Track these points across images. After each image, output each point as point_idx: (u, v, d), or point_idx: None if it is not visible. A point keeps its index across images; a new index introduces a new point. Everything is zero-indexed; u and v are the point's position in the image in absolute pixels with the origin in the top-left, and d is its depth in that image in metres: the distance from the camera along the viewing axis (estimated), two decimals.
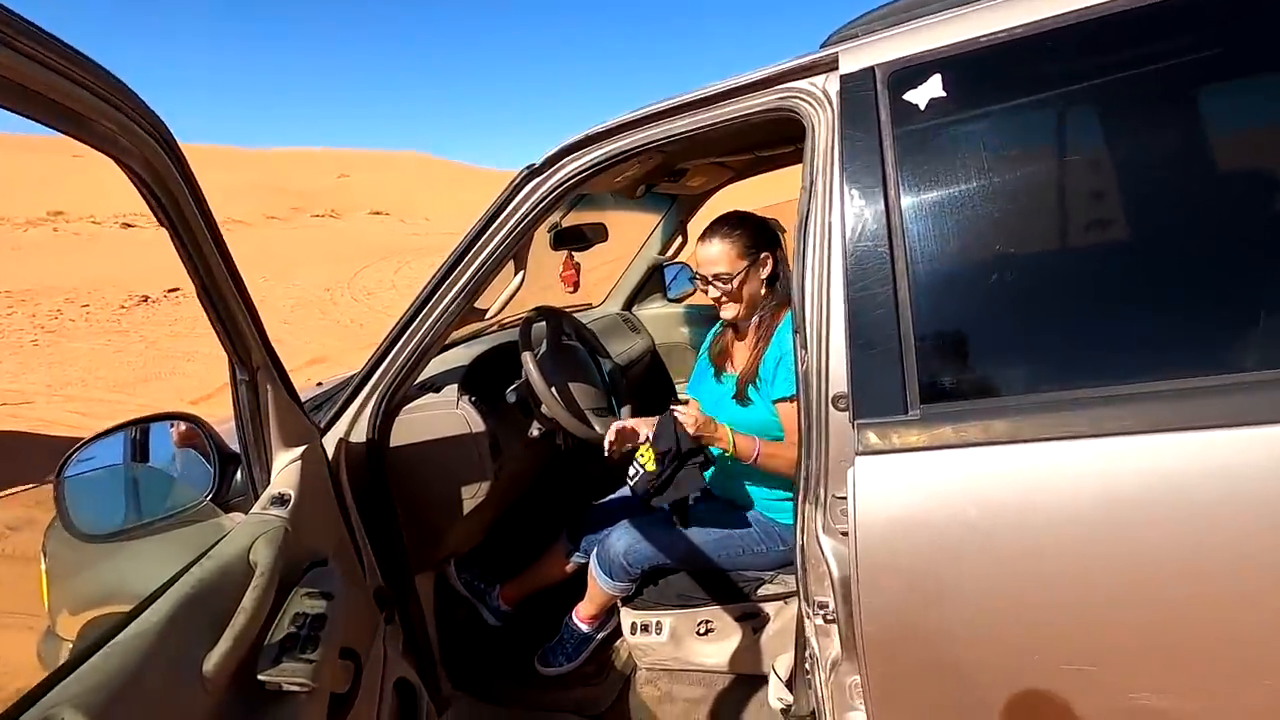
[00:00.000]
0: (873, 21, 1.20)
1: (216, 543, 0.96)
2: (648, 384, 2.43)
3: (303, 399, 1.94)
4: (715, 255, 1.62)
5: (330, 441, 1.41)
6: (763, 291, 1.66)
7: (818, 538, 1.15)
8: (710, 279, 1.64)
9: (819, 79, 1.17)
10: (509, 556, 1.97)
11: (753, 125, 1.29)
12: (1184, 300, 0.91)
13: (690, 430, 1.45)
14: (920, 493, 0.99)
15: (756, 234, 1.65)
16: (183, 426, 1.18)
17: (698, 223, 2.85)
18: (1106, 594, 0.90)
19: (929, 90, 1.06)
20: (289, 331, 9.71)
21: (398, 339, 1.44)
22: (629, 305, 2.92)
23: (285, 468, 1.13)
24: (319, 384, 2.17)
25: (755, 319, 1.69)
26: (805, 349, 1.13)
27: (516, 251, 1.43)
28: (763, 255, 1.65)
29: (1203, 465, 0.85)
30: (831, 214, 1.10)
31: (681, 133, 1.29)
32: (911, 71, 1.07)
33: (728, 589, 1.59)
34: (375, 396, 1.45)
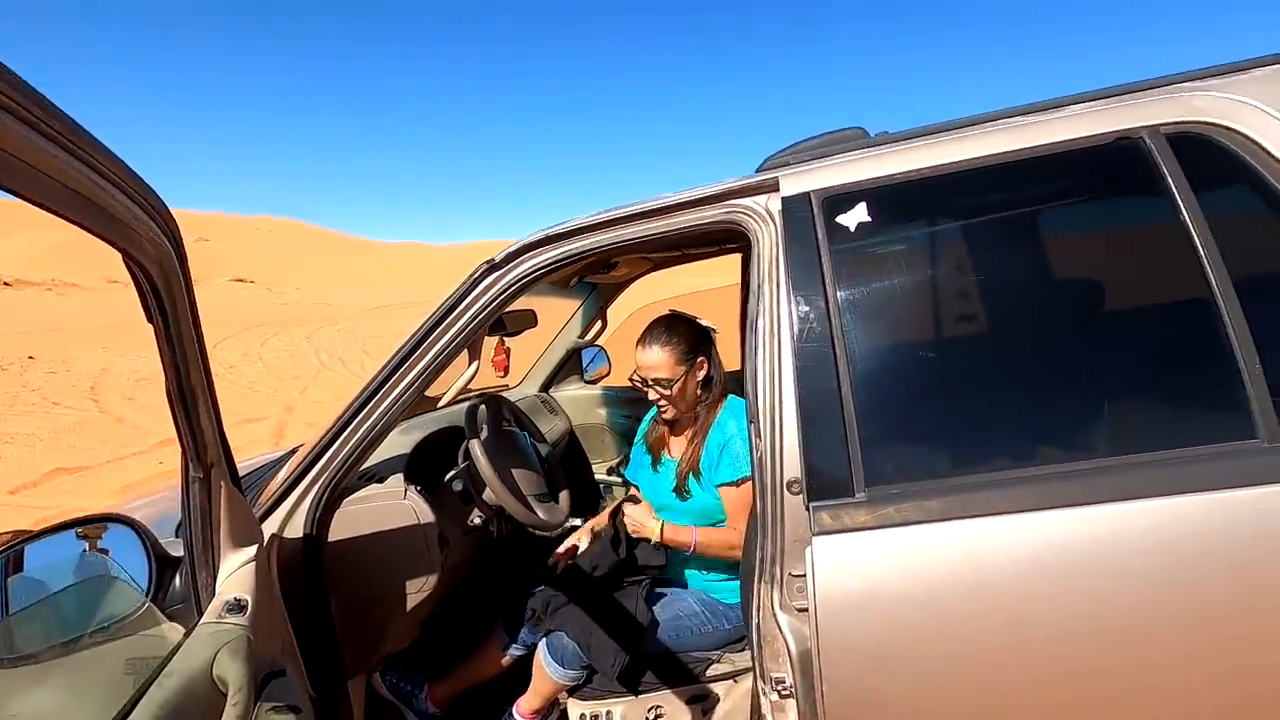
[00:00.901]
0: (802, 152, 1.39)
1: (171, 656, 0.89)
2: (566, 466, 2.45)
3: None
4: (655, 361, 1.72)
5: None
6: (699, 392, 1.78)
7: (774, 615, 1.22)
8: (651, 382, 1.73)
9: (762, 199, 1.34)
10: (436, 652, 1.88)
11: (697, 234, 1.44)
12: (1081, 390, 1.11)
13: (629, 532, 1.55)
14: (872, 569, 1.11)
15: (692, 338, 1.76)
16: (112, 529, 1.08)
17: (616, 309, 2.98)
18: (1039, 655, 1.04)
19: (857, 215, 1.24)
20: (134, 409, 8.74)
21: (344, 428, 1.40)
22: (547, 387, 2.96)
23: (237, 571, 1.07)
24: None
25: (697, 414, 1.79)
26: (760, 437, 1.24)
27: (472, 342, 1.46)
28: (699, 359, 1.76)
29: (1105, 533, 1.03)
30: (780, 315, 1.24)
31: (636, 238, 1.41)
32: (842, 198, 1.26)
33: (677, 671, 1.61)
34: (316, 490, 1.39)
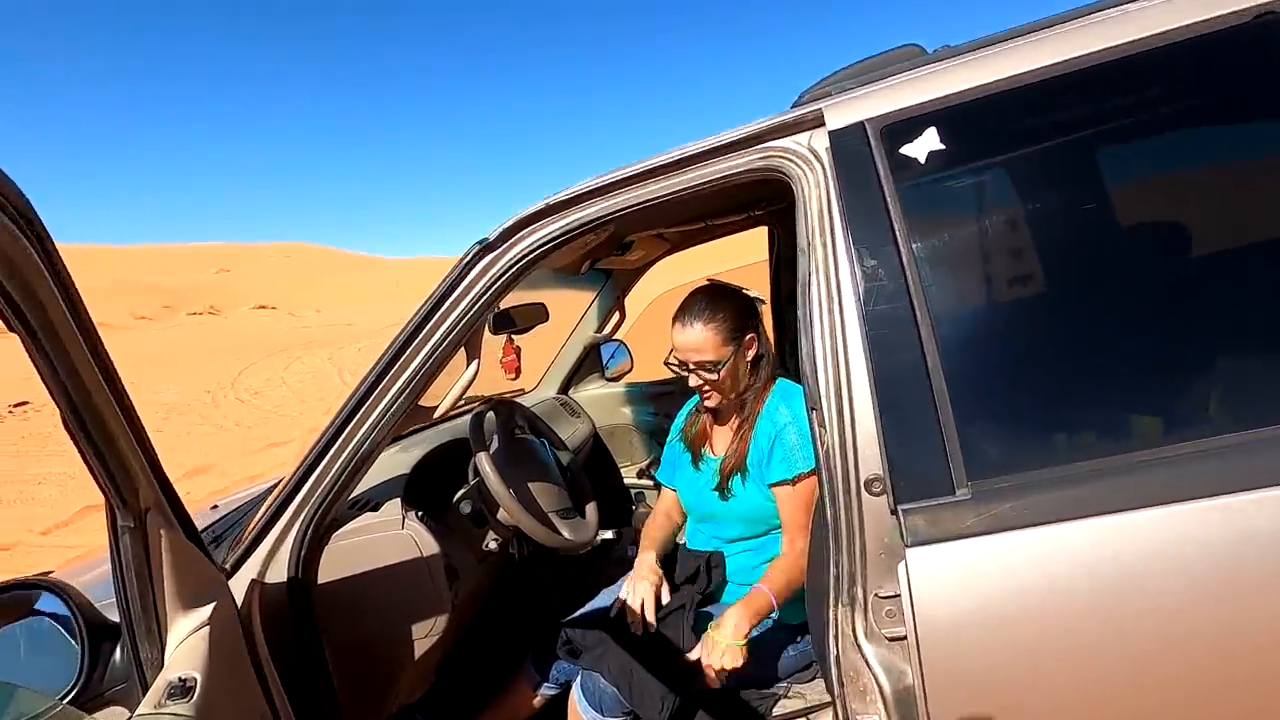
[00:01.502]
0: (843, 81, 1.15)
1: None
2: (592, 472, 2.23)
3: (200, 529, 1.63)
4: (698, 342, 1.46)
5: (239, 586, 1.12)
6: (748, 375, 1.52)
7: (858, 646, 0.99)
8: (693, 367, 1.48)
9: (803, 137, 1.09)
10: (460, 696, 1.67)
11: (728, 188, 1.20)
12: (1241, 340, 0.85)
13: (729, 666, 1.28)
14: (988, 585, 0.86)
15: (739, 312, 1.50)
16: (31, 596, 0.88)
17: (634, 298, 2.75)
18: (1219, 674, 0.79)
19: (927, 142, 0.99)
20: (162, 441, 8.69)
21: (325, 451, 1.19)
22: (566, 388, 2.74)
23: (186, 639, 0.85)
24: (214, 506, 1.82)
25: (745, 402, 1.54)
26: (824, 428, 1.00)
27: (469, 338, 1.24)
28: (748, 337, 1.50)
29: None
30: (839, 276, 1.00)
31: (652, 199, 1.18)
32: (906, 124, 1.01)
33: (737, 709, 1.38)
34: (299, 524, 1.18)
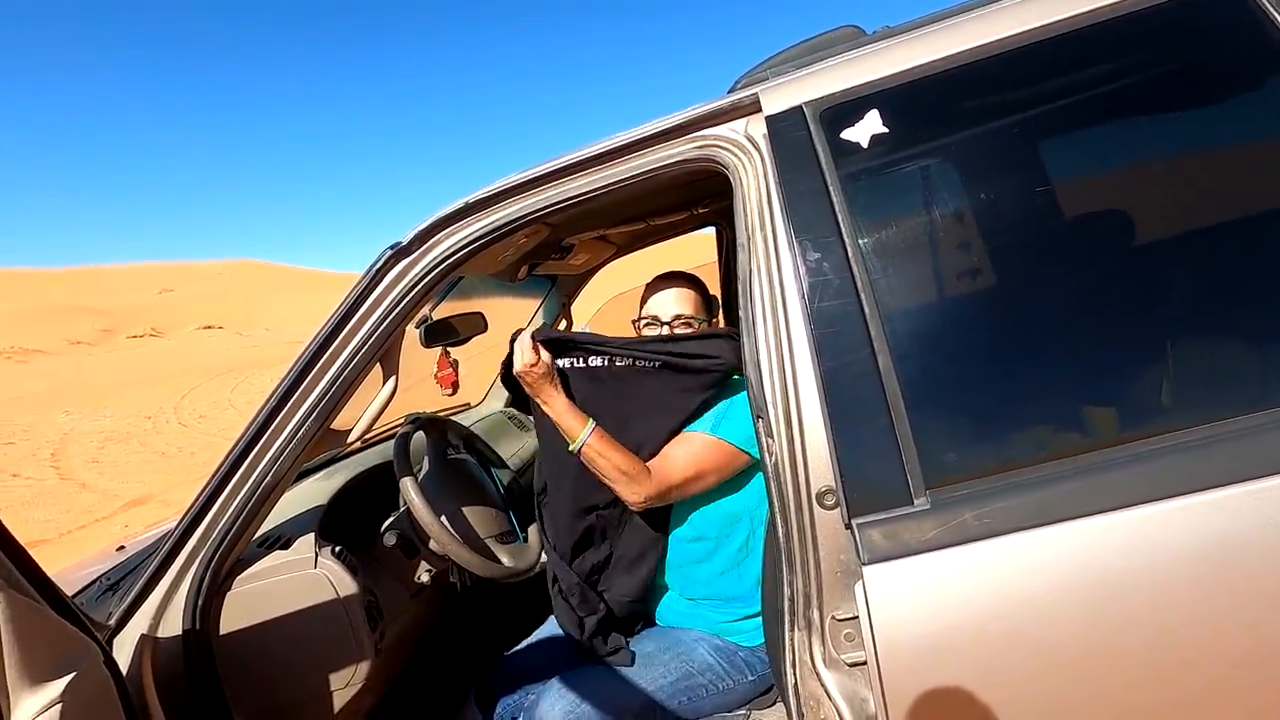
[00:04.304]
0: (780, 64, 1.08)
1: None
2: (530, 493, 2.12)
3: (98, 573, 1.46)
4: (681, 298, 1.46)
5: (125, 646, 0.99)
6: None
7: (817, 673, 0.90)
8: (668, 319, 1.43)
9: (739, 123, 1.02)
10: None
11: (665, 182, 1.11)
12: (1205, 328, 0.80)
13: (517, 365, 1.25)
14: (950, 602, 0.79)
15: (708, 294, 1.53)
16: None
17: (581, 305, 2.65)
18: (1201, 683, 0.73)
19: (869, 126, 0.93)
20: (98, 472, 8.28)
21: (223, 486, 1.06)
22: (512, 401, 2.62)
23: None
24: (120, 547, 1.66)
25: None
26: (771, 437, 0.92)
27: (385, 351, 1.12)
28: (714, 318, 1.52)
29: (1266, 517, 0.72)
30: (782, 272, 0.92)
31: (582, 194, 1.09)
32: (846, 107, 0.94)
33: None
34: (195, 568, 1.05)
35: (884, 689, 0.80)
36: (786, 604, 0.93)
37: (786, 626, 0.93)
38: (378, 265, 1.09)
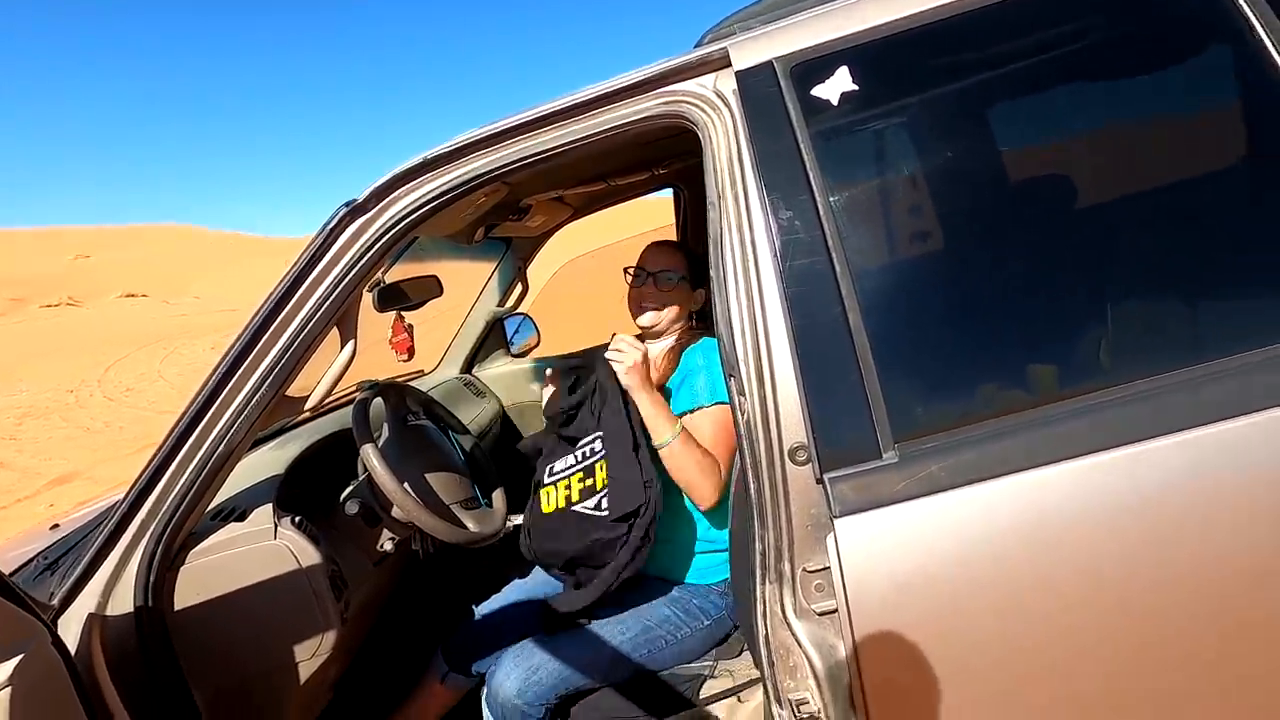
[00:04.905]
0: (747, 18, 1.06)
1: None
2: (503, 454, 2.10)
3: (33, 553, 1.38)
4: (668, 256, 1.54)
5: (72, 626, 0.94)
6: (683, 317, 1.57)
7: (788, 623, 0.93)
8: (653, 273, 1.52)
9: (708, 79, 1.00)
10: (364, 708, 1.52)
11: (630, 140, 1.09)
12: (1160, 282, 0.84)
13: (625, 364, 1.32)
14: (919, 550, 0.82)
15: (700, 268, 1.57)
16: None
17: (536, 269, 2.60)
18: (1156, 621, 0.78)
19: (839, 83, 0.92)
20: (16, 450, 7.80)
21: (172, 456, 1.01)
22: (469, 367, 2.57)
23: None
24: (54, 526, 1.57)
25: (668, 344, 1.54)
26: (744, 395, 0.92)
27: (342, 314, 1.08)
28: (699, 290, 1.57)
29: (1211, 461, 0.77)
30: (753, 231, 0.92)
31: (546, 151, 1.05)
32: (816, 63, 0.93)
33: (664, 697, 1.31)
34: (145, 543, 1.00)
35: (854, 635, 0.83)
36: (758, 558, 0.95)
37: (758, 580, 0.95)
38: (332, 224, 1.04)
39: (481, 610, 1.53)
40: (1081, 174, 0.89)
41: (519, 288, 2.48)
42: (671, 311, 1.53)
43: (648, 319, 1.53)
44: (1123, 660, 0.78)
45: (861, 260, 0.88)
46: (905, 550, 0.82)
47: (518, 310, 2.53)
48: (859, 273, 0.87)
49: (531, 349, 2.69)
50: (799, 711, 0.95)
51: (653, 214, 2.63)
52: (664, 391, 1.48)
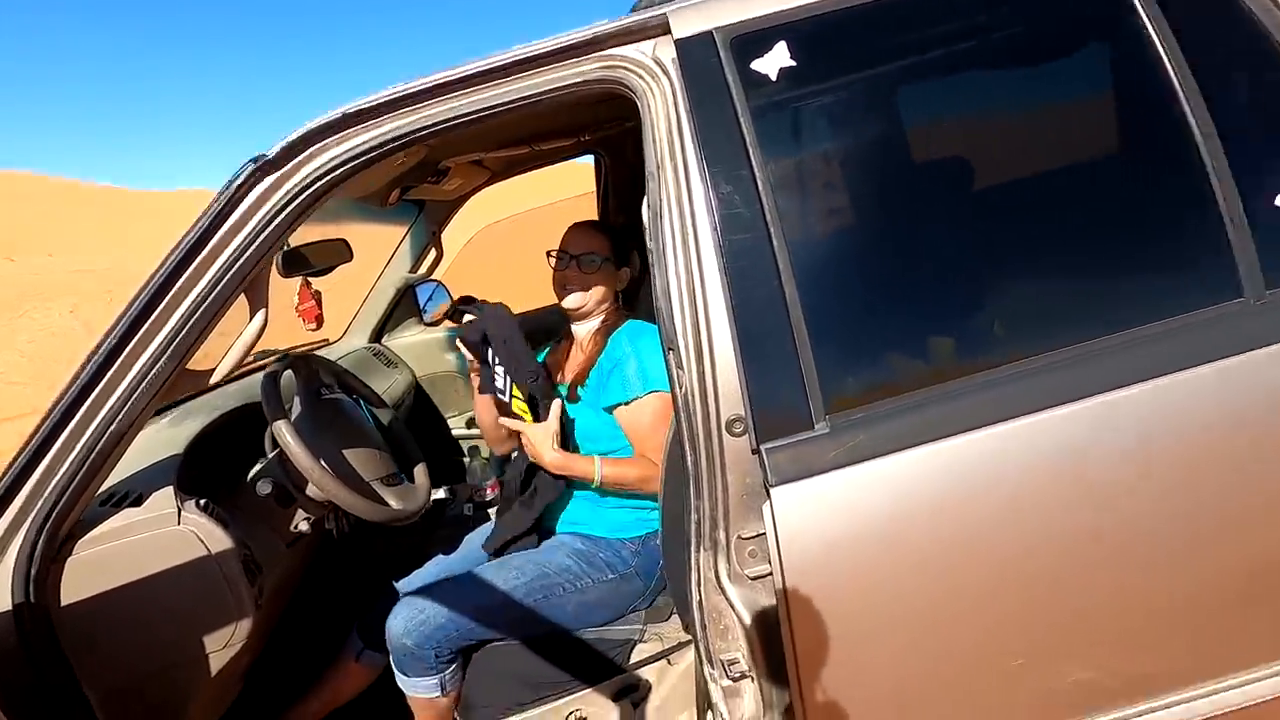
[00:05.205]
0: None
1: None
2: (416, 427, 2.03)
3: None
4: (590, 238, 1.51)
5: None
6: (610, 298, 1.55)
7: (721, 588, 0.97)
8: (576, 256, 1.49)
9: (647, 45, 0.98)
10: (277, 692, 1.46)
11: (562, 105, 1.05)
12: (1064, 261, 0.91)
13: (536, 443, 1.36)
14: (849, 515, 0.87)
15: (622, 245, 1.56)
16: None
17: (451, 233, 2.50)
18: (1056, 573, 0.87)
19: (778, 58, 0.93)
20: None
21: (55, 435, 0.91)
22: (378, 336, 2.45)
23: None
24: None
25: (594, 325, 1.52)
26: (682, 368, 0.93)
27: (252, 280, 1.00)
28: (623, 268, 1.55)
29: (1106, 426, 0.85)
30: (693, 203, 0.92)
31: (475, 112, 1.00)
32: (756, 37, 0.94)
33: (589, 661, 1.33)
34: (23, 534, 0.90)
35: (786, 597, 0.87)
36: (693, 527, 0.97)
37: (693, 548, 0.98)
38: (239, 181, 0.95)
39: (402, 586, 1.50)
40: (1009, 155, 0.95)
41: (433, 253, 2.38)
42: (597, 292, 1.51)
43: (573, 301, 1.51)
44: (1035, 609, 0.87)
45: (798, 236, 0.90)
46: (836, 516, 0.87)
47: (431, 277, 2.43)
48: (796, 248, 0.89)
49: (445, 316, 2.60)
50: (730, 671, 0.99)
51: (571, 180, 2.58)
52: (592, 380, 1.48)
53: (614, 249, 1.52)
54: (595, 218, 1.59)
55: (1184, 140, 0.89)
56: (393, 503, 1.32)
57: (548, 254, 1.54)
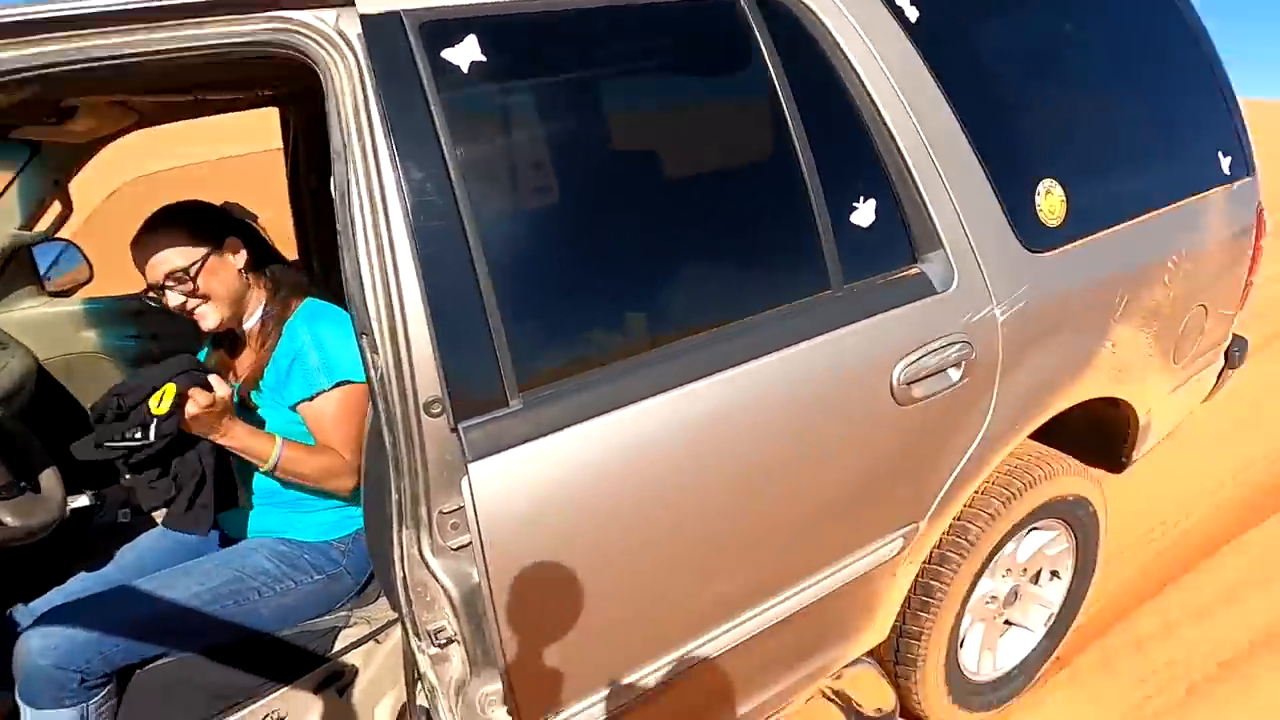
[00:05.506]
0: None
1: None
2: (41, 425, 1.65)
3: None
4: (160, 254, 1.25)
5: None
6: (248, 283, 1.34)
7: (425, 562, 1.01)
8: (165, 284, 1.26)
9: (329, 14, 0.93)
10: None
11: (221, 62, 0.95)
12: (708, 255, 1.11)
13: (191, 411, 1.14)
14: (539, 485, 0.97)
15: (209, 218, 1.33)
16: None
17: (87, 184, 2.04)
18: (703, 521, 1.07)
19: (468, 51, 0.96)
20: None
21: None
22: None
23: None
24: None
25: (257, 319, 1.35)
26: (377, 352, 0.93)
27: None
28: (227, 240, 1.32)
29: (739, 394, 1.07)
30: (383, 185, 0.91)
31: (109, 58, 0.86)
32: (447, 26, 0.95)
33: (284, 659, 1.25)
34: None
35: (486, 563, 0.95)
36: (394, 507, 0.99)
37: (395, 527, 1.00)
38: None
39: (34, 609, 1.24)
40: (664, 167, 1.12)
41: (56, 207, 1.92)
42: (221, 292, 1.29)
43: (210, 322, 1.30)
44: (691, 544, 1.07)
45: (489, 224, 0.95)
46: (529, 484, 0.96)
47: (57, 236, 1.97)
48: (487, 235, 0.94)
49: (80, 284, 2.13)
50: (436, 639, 1.04)
51: (255, 127, 2.28)
52: (269, 379, 1.33)
53: (198, 236, 1.28)
54: (168, 219, 1.30)
55: (795, 169, 1.14)
56: (8, 519, 1.08)
57: (145, 296, 1.30)
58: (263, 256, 1.37)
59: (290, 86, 1.63)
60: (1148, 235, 1.57)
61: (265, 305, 1.36)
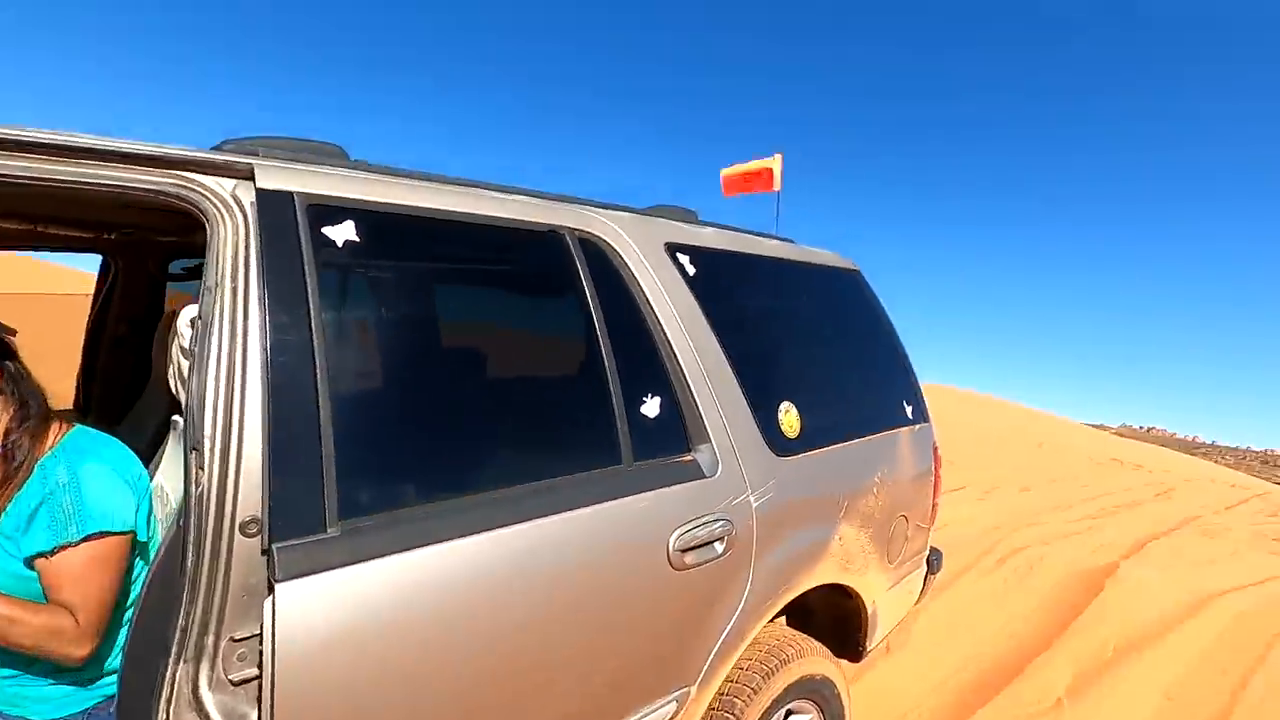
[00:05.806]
0: (275, 147, 1.23)
1: None
2: None
3: None
4: None
5: None
6: (18, 430, 1.21)
7: (197, 700, 0.96)
8: None
9: (228, 183, 1.11)
10: None
11: (108, 198, 1.07)
12: (517, 426, 1.31)
13: None
14: (343, 611, 1.01)
15: None
16: None
17: None
18: (492, 659, 1.14)
19: (345, 232, 1.17)
20: None
21: None
22: None
23: None
24: None
25: (13, 461, 1.20)
26: (202, 469, 0.98)
27: None
28: (18, 380, 1.22)
29: (532, 544, 1.22)
30: (248, 321, 1.04)
31: (25, 177, 0.96)
32: (330, 210, 1.17)
33: None
34: None
35: (273, 698, 0.93)
36: (177, 635, 0.96)
37: (171, 660, 0.95)
38: None
39: None
40: (498, 345, 1.36)
41: None
42: None
43: None
44: (508, 684, 1.12)
45: (336, 368, 1.09)
46: (333, 608, 1.00)
47: None
48: (334, 381, 1.08)
49: None
50: None
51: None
52: (7, 523, 1.17)
53: None
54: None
55: (601, 368, 1.43)
56: None
57: None
58: (13, 377, 1.22)
59: (133, 237, 1.69)
60: (860, 454, 2.05)
61: (8, 432, 1.20)
